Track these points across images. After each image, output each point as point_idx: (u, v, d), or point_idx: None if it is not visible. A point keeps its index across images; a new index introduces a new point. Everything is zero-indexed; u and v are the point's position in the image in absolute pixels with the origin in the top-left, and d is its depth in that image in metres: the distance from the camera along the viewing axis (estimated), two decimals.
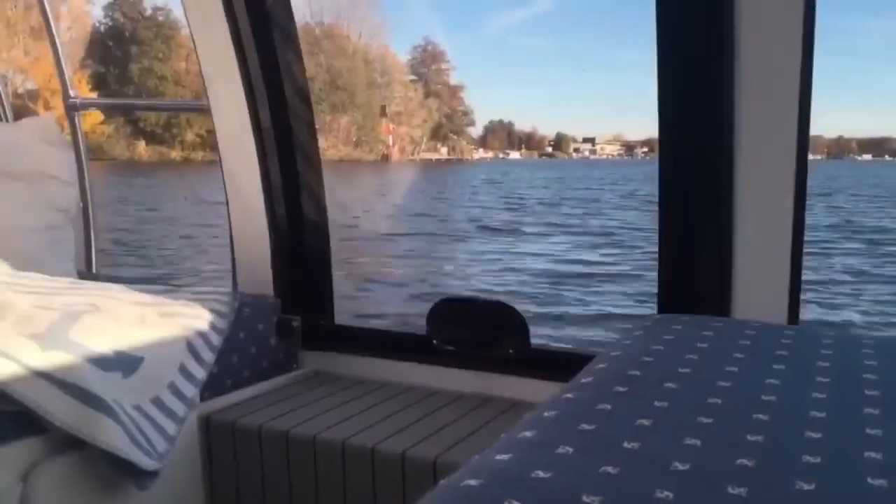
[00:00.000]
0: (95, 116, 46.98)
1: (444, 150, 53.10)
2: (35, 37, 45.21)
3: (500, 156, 55.05)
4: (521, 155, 57.14)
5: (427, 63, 51.65)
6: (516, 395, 2.20)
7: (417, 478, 1.78)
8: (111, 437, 1.67)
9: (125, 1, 49.61)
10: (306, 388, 2.34)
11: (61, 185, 2.71)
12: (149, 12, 49.57)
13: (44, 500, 1.64)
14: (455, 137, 52.05)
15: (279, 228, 2.60)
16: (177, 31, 49.19)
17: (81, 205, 2.92)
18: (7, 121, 2.95)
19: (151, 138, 48.65)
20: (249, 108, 2.48)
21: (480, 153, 57.15)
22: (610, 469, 0.90)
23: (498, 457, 0.95)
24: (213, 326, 2.16)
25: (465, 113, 55.25)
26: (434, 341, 2.36)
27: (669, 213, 1.98)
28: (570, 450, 0.96)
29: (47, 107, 42.37)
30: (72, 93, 2.92)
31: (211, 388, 2.13)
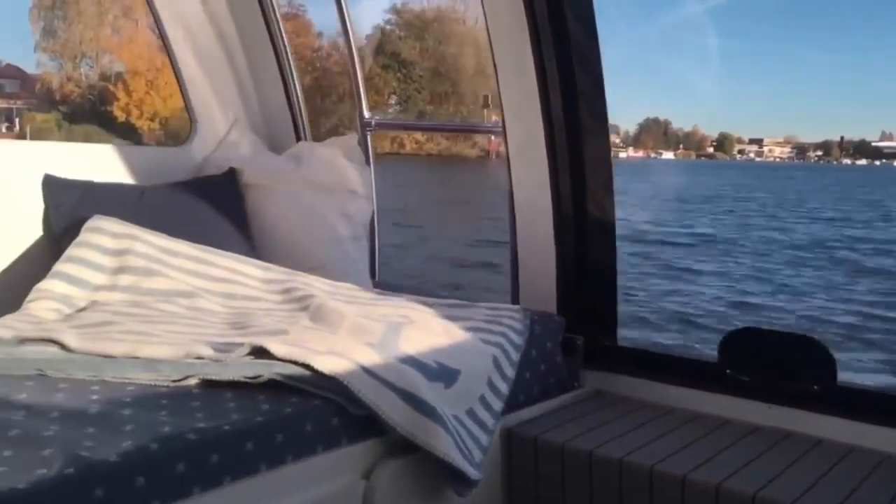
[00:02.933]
0: (178, 100, 47.09)
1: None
2: (125, 15, 44.93)
3: (652, 155, 51.43)
4: (675, 155, 53.69)
5: None
6: (821, 433, 2.10)
7: None
8: (443, 444, 1.77)
9: None
10: (593, 408, 2.36)
11: (361, 199, 2.94)
12: None
13: (383, 498, 1.77)
14: None
15: (565, 244, 2.63)
16: None
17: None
18: (306, 138, 3.23)
19: None
20: (544, 122, 2.53)
21: (630, 152, 54.16)
22: None
23: None
24: (511, 343, 2.24)
25: None
26: (727, 370, 2.30)
27: None
28: None
29: (128, 92, 42.54)
30: (366, 114, 3.14)
31: (506, 402, 2.21)
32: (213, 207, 2.74)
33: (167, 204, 2.71)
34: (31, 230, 2.53)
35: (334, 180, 2.91)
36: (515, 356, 2.23)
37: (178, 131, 44.22)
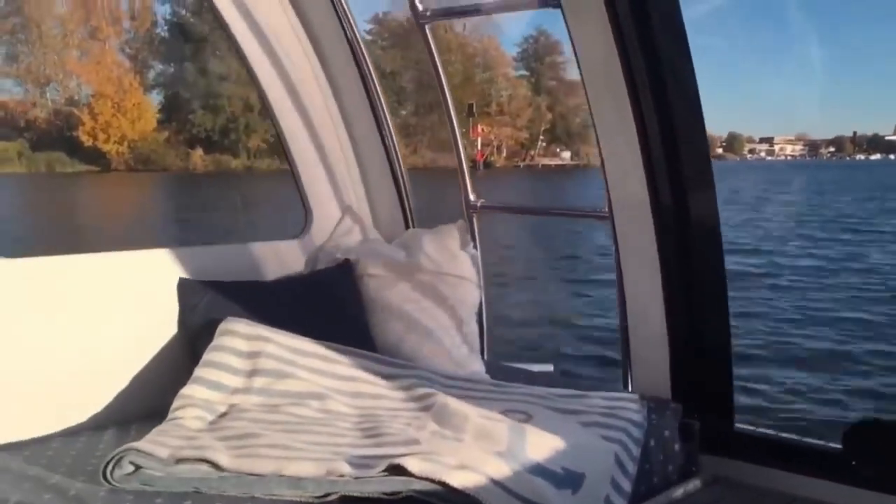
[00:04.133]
0: (148, 123, 42.55)
1: (566, 154, 46.83)
2: (92, 36, 43.55)
3: None
4: None
5: (539, 56, 45.19)
6: None
7: None
8: None
9: None
10: (714, 498, 2.37)
11: (471, 284, 3.03)
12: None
13: None
14: (572, 140, 45.15)
15: (677, 325, 2.63)
16: None
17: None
18: (413, 225, 3.35)
19: (208, 145, 43.64)
20: (649, 185, 2.55)
21: None
22: None
23: None
24: (631, 437, 2.28)
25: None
26: (853, 461, 2.28)
27: None
28: None
29: (93, 115, 40.92)
30: (471, 196, 3.24)
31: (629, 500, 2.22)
32: (333, 300, 2.87)
33: (289, 299, 2.85)
34: (167, 331, 2.70)
35: (445, 267, 3.01)
36: (636, 451, 2.27)
37: (148, 155, 42.03)
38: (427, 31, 3.09)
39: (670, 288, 2.63)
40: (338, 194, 3.30)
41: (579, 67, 2.57)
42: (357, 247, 3.16)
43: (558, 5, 2.53)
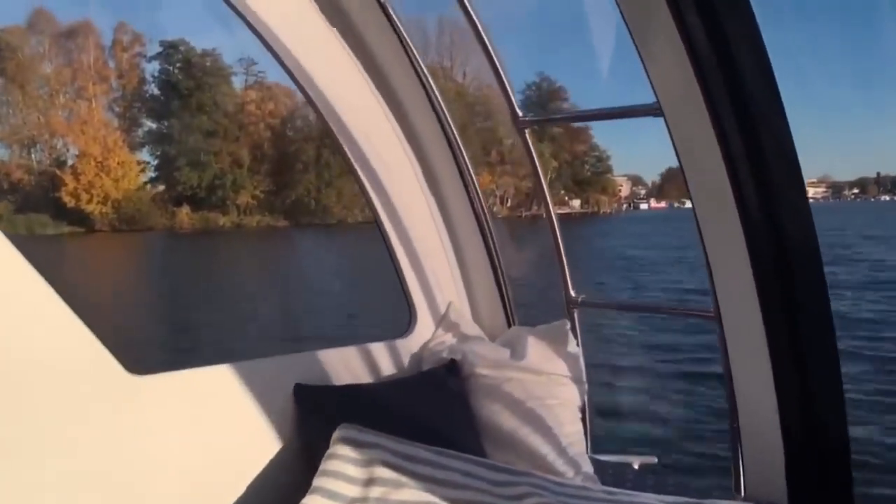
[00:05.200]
0: (131, 180, 41.60)
1: (575, 202, 45.64)
2: (79, 96, 43.20)
3: (676, 205, 49.89)
4: None
5: (543, 102, 45.03)
6: None
7: None
8: None
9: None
10: None
11: (576, 384, 3.06)
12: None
13: None
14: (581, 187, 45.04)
15: (792, 425, 2.57)
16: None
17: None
18: (515, 323, 3.37)
19: (194, 203, 43.05)
20: (757, 284, 2.49)
21: (652, 203, 52.18)
22: None
23: None
24: None
25: (600, 159, 47.35)
26: None
27: None
28: None
29: (76, 176, 40.20)
30: (572, 292, 3.26)
31: None
32: (441, 402, 2.93)
33: (400, 401, 2.91)
34: (283, 437, 2.74)
35: (549, 367, 3.05)
36: None
37: (133, 214, 41.07)
38: (526, 136, 3.16)
39: (783, 387, 2.57)
40: (440, 291, 3.33)
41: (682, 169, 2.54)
42: (461, 345, 3.19)
43: (661, 114, 2.51)
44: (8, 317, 2.08)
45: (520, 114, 3.13)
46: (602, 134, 48.70)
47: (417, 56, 3.22)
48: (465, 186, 3.33)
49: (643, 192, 54.89)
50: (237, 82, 47.88)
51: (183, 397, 2.56)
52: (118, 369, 2.33)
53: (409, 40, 3.18)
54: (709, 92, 2.29)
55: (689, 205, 2.59)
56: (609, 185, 48.33)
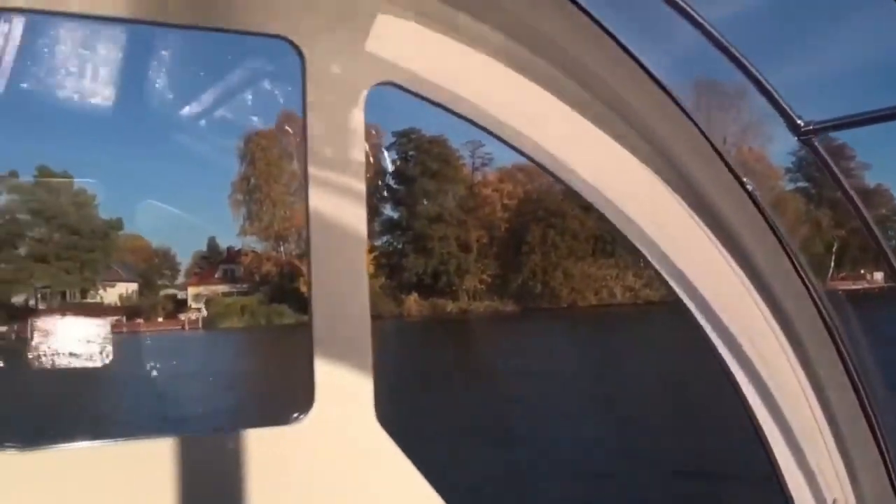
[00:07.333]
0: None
1: (878, 275, 38.84)
2: None
3: None
4: None
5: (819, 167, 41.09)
6: None
7: None
8: None
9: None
10: None
11: None
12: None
13: None
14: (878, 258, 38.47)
15: None
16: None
17: None
18: None
19: (422, 290, 44.18)
20: None
21: None
22: None
23: None
24: None
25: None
26: None
27: None
28: None
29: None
30: None
31: None
32: None
33: None
34: None
35: None
36: None
37: (374, 301, 43.69)
38: (817, 146, 2.61)
39: None
40: (825, 489, 2.98)
41: None
42: None
43: None
44: None
45: (800, 122, 2.50)
46: None
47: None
48: (844, 365, 2.98)
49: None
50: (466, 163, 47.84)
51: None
52: None
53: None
54: None
55: None
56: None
